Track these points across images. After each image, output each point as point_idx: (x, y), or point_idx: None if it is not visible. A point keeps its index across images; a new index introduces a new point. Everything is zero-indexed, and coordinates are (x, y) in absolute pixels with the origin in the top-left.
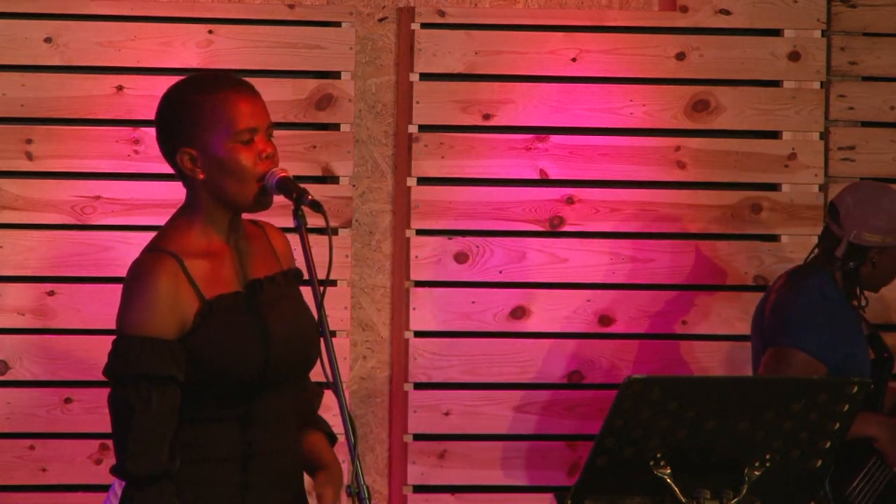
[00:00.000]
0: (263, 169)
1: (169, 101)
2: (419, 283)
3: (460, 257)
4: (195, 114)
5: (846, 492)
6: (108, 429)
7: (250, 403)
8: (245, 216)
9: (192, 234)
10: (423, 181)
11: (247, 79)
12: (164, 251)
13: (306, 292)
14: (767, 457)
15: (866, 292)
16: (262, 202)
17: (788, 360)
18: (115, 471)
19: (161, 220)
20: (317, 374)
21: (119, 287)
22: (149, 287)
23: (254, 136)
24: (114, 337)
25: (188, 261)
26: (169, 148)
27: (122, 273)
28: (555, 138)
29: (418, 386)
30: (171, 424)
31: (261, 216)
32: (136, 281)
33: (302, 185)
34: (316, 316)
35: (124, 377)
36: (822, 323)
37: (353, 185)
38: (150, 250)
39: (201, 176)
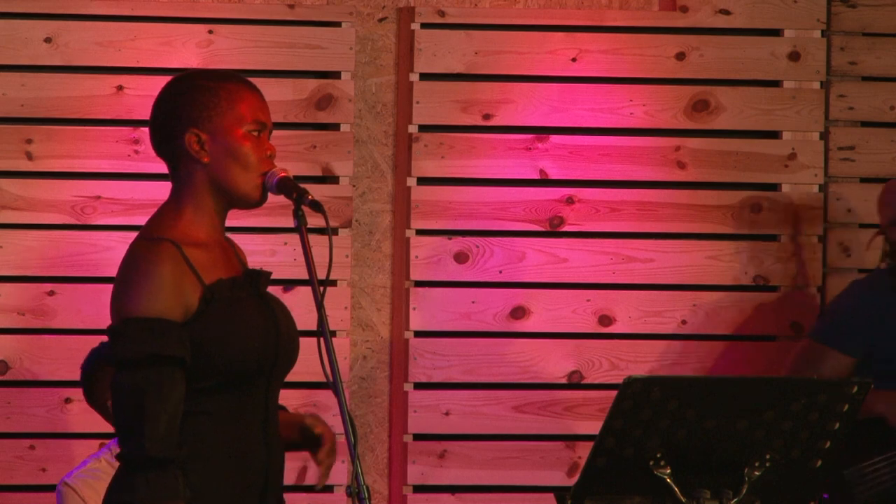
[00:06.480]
0: (266, 167)
1: (178, 87)
2: (419, 283)
3: (460, 257)
4: (208, 98)
5: (862, 466)
6: (108, 429)
7: (252, 397)
8: None
9: (183, 223)
10: (423, 181)
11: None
12: (162, 239)
13: (306, 292)
14: (767, 457)
15: None
16: (259, 197)
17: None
18: (126, 456)
19: None
20: (317, 374)
21: None
22: (153, 271)
23: (262, 132)
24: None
25: (185, 248)
26: (173, 130)
27: None
28: (555, 138)
29: (418, 386)
30: (181, 408)
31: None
32: (138, 267)
33: (302, 185)
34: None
35: (133, 360)
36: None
37: (353, 185)
38: (146, 238)
39: (206, 159)
